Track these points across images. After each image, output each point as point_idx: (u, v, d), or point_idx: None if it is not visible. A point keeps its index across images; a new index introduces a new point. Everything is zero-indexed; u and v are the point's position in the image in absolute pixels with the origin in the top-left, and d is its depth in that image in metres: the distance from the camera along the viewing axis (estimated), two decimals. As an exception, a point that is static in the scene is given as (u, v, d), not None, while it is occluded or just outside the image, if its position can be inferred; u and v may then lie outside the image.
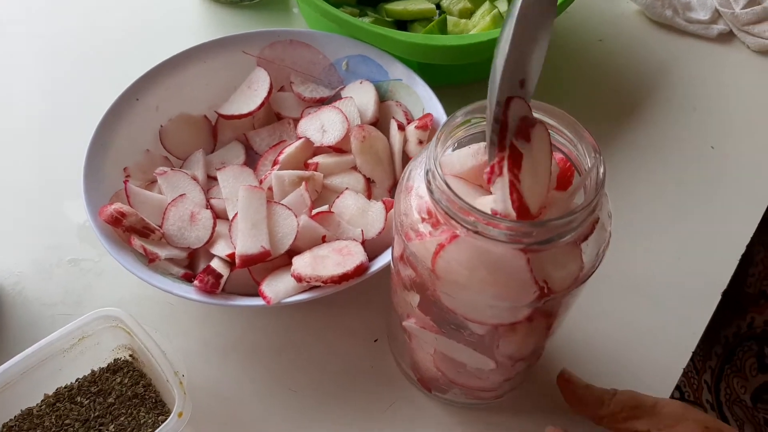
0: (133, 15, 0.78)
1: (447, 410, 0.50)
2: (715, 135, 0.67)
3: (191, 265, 0.53)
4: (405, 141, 0.57)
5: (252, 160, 0.61)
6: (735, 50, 0.75)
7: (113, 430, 0.47)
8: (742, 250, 0.59)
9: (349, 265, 0.47)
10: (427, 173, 0.33)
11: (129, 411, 0.48)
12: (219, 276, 0.47)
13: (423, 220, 0.36)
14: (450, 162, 0.35)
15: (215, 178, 0.58)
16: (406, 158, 0.57)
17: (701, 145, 0.66)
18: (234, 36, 0.63)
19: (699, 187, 0.63)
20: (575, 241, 0.34)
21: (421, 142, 0.55)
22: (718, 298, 0.56)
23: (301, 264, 0.48)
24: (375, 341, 0.53)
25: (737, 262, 0.58)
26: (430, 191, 0.33)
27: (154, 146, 0.59)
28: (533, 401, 0.50)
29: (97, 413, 0.48)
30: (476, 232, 0.32)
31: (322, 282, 0.46)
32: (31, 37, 0.75)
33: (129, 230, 0.50)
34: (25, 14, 0.78)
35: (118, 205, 0.50)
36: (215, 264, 0.49)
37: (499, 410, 0.50)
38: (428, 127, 0.55)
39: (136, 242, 0.49)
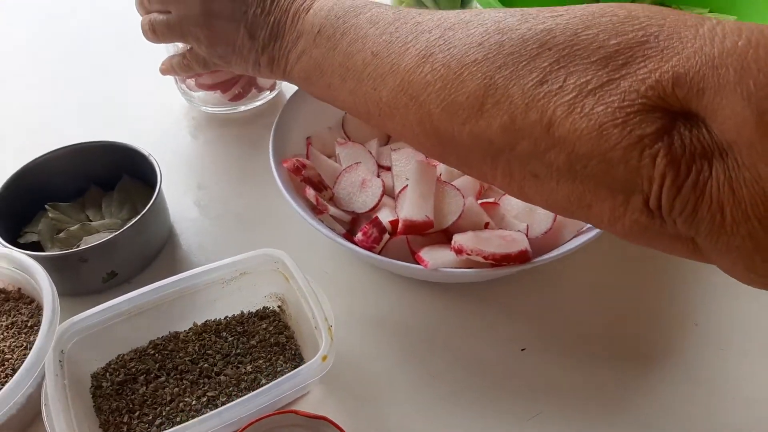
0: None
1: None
2: None
3: (351, 230, 0.54)
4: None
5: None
6: None
7: (250, 369, 0.48)
8: None
9: (513, 248, 0.46)
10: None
11: (268, 356, 0.49)
12: (383, 230, 0.48)
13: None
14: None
15: (384, 168, 0.60)
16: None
17: None
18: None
19: None
20: None
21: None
22: None
23: (463, 238, 0.47)
24: (522, 350, 0.50)
25: None
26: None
27: (335, 126, 0.63)
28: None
29: (238, 350, 0.49)
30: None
31: (483, 257, 0.45)
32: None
33: (306, 180, 0.52)
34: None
35: (300, 158, 0.53)
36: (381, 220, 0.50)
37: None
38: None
39: (310, 192, 0.51)
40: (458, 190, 0.51)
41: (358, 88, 0.41)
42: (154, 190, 0.57)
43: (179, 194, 0.61)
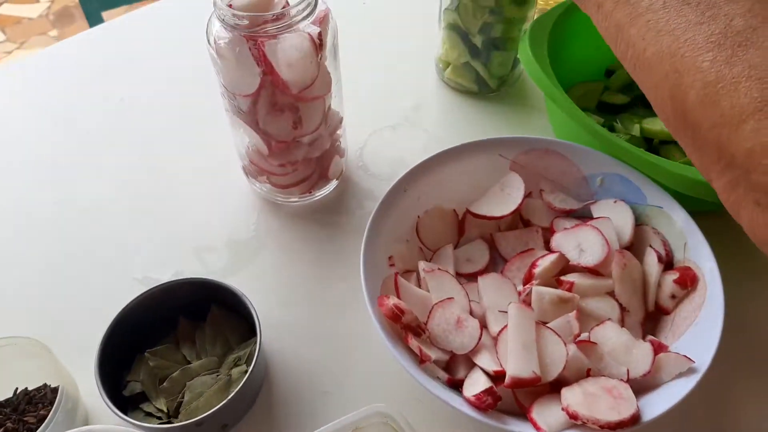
0: (384, 100, 0.84)
1: None
2: None
3: (448, 368, 0.55)
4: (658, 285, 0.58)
5: (494, 261, 0.63)
6: None
7: None
8: None
9: (624, 412, 0.47)
10: None
11: (381, 504, 0.51)
12: (498, 399, 0.49)
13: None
14: None
15: (463, 275, 0.61)
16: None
17: None
18: (494, 139, 0.65)
19: None
20: None
21: (673, 297, 0.56)
22: None
23: (575, 401, 0.49)
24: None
25: None
26: None
27: (411, 236, 0.63)
28: None
29: (353, 500, 0.51)
30: None
31: (599, 426, 0.47)
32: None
33: (405, 328, 0.53)
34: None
35: (395, 300, 0.53)
36: (484, 380, 0.51)
37: None
38: (687, 285, 0.55)
39: (413, 342, 0.52)
40: (558, 335, 0.52)
41: (627, 26, 0.39)
42: (243, 318, 0.58)
43: (263, 316, 0.61)
